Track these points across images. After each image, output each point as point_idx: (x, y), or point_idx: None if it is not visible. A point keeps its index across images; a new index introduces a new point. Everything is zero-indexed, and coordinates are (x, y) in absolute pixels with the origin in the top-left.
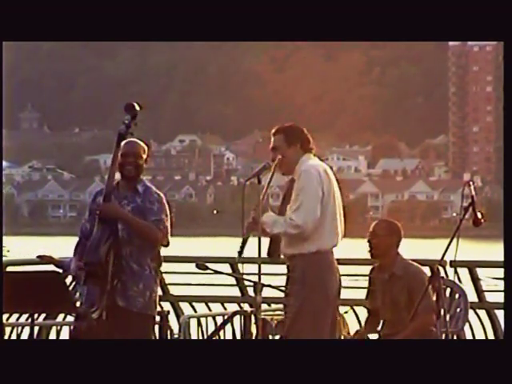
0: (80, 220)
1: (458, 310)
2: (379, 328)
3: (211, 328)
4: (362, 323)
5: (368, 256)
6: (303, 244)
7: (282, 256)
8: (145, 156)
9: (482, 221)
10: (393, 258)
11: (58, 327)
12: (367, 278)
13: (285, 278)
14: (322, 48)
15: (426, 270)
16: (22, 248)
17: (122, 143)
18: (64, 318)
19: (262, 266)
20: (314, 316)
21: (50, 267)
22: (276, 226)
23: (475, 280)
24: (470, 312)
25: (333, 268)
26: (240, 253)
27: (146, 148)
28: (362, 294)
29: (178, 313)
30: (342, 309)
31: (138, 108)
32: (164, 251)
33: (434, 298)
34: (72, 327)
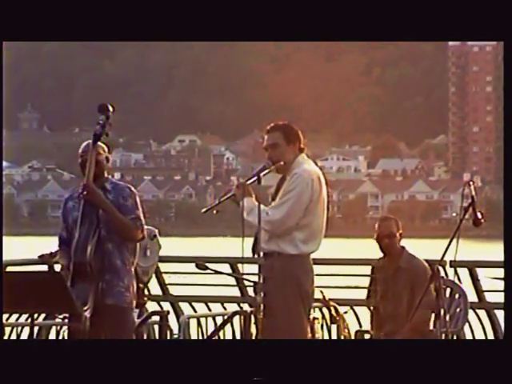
0: None
1: (458, 310)
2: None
3: (211, 328)
4: (362, 323)
5: (368, 256)
6: (286, 244)
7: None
8: (105, 154)
9: (482, 221)
10: (400, 252)
11: (58, 327)
12: (366, 277)
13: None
14: (322, 48)
15: None
16: (22, 248)
17: (83, 144)
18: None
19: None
20: (293, 314)
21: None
22: (251, 214)
23: (475, 280)
24: (470, 312)
25: (309, 271)
26: (210, 209)
27: (103, 147)
28: (362, 294)
29: (178, 313)
30: (342, 309)
31: (111, 109)
32: (164, 251)
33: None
34: (66, 328)
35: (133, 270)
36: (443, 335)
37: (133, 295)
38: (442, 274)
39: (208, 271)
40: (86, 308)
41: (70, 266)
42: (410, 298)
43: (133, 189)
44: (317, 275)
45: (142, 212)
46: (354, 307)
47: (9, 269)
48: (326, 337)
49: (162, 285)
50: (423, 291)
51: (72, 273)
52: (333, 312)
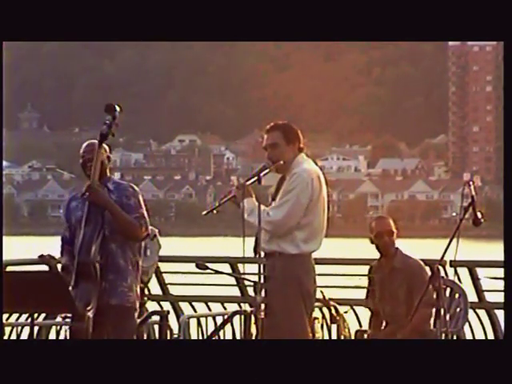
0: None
1: (458, 309)
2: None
3: (211, 328)
4: (362, 323)
5: (368, 256)
6: (286, 244)
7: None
8: (106, 154)
9: (482, 221)
10: (394, 253)
11: (58, 327)
12: (366, 277)
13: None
14: (321, 48)
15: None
16: (22, 248)
17: (84, 144)
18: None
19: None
20: (294, 314)
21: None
22: (252, 214)
23: (475, 280)
24: (470, 312)
25: (311, 270)
26: (211, 210)
27: (105, 146)
28: (362, 294)
29: (178, 313)
30: (342, 309)
31: (118, 109)
32: (164, 251)
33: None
34: (68, 327)
35: (136, 269)
36: (443, 335)
37: (136, 295)
38: (442, 273)
39: (208, 271)
40: (89, 308)
41: (72, 263)
42: (408, 297)
43: (135, 187)
44: (317, 275)
45: (145, 210)
46: (354, 307)
47: (9, 269)
48: (326, 337)
49: (162, 285)
50: (422, 290)
51: (75, 273)
52: (333, 312)
